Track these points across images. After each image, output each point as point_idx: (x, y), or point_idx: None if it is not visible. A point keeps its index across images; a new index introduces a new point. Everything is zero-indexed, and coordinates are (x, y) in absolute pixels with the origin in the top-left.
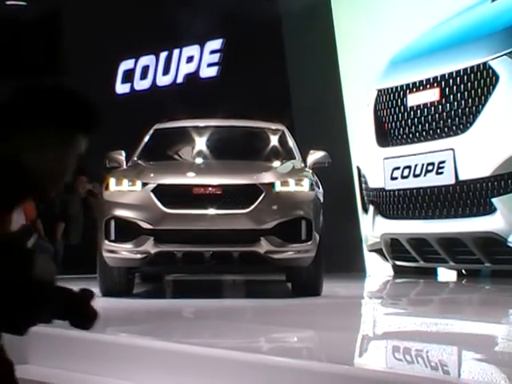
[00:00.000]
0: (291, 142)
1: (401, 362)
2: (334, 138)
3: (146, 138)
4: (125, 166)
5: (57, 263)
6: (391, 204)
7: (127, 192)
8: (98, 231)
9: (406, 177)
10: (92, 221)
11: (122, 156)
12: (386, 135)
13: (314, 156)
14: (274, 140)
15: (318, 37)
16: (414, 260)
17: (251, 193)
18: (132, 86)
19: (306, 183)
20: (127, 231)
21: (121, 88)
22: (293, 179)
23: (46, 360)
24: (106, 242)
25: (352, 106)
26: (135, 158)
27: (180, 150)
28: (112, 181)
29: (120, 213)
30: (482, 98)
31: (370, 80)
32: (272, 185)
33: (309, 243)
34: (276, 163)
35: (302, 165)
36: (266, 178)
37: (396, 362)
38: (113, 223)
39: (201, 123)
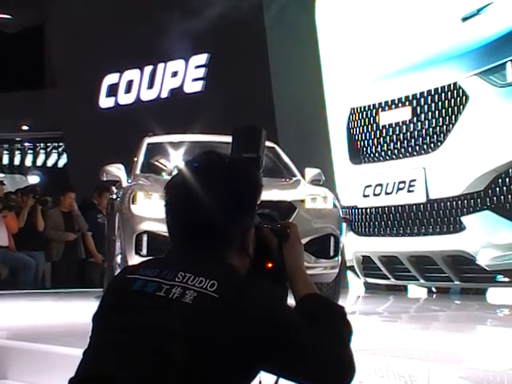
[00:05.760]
0: (286, 158)
1: (370, 376)
2: (317, 154)
3: (142, 153)
4: (126, 181)
5: (37, 277)
6: (363, 221)
7: (159, 206)
8: (121, 245)
9: (378, 194)
10: (73, 230)
11: (120, 169)
12: (358, 153)
13: (311, 173)
14: (269, 156)
15: (303, 52)
16: (385, 277)
17: (285, 209)
18: (116, 100)
19: (330, 200)
20: (160, 246)
21: (105, 102)
22: (320, 196)
23: (26, 375)
24: (136, 256)
25: (336, 122)
26: (138, 172)
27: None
28: (140, 195)
29: (153, 227)
30: (453, 117)
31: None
32: (303, 201)
33: (335, 259)
34: (285, 180)
35: (304, 181)
36: (296, 194)
37: (365, 377)
38: (145, 238)
39: (194, 138)
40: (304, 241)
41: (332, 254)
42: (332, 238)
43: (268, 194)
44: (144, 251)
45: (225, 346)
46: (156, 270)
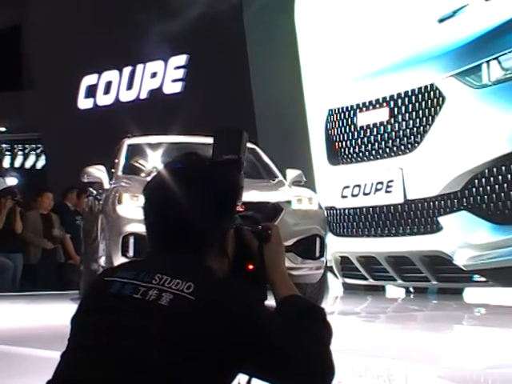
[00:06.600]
0: (267, 160)
1: (349, 376)
2: (297, 155)
3: (123, 154)
4: (107, 182)
5: (15, 279)
6: (341, 222)
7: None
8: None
9: (356, 195)
10: (52, 238)
11: (101, 171)
12: (336, 154)
13: (292, 174)
14: (250, 158)
15: (283, 53)
16: (364, 278)
17: (270, 211)
18: (95, 101)
19: (315, 201)
20: (146, 248)
21: (83, 103)
22: (305, 197)
23: (2, 378)
24: (123, 258)
25: (315, 123)
26: (120, 174)
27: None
28: (126, 196)
29: (139, 229)
30: (430, 118)
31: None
32: (289, 202)
33: (321, 260)
34: (270, 181)
35: (286, 182)
36: (281, 196)
37: (344, 377)
38: (131, 239)
39: (175, 139)
40: (290, 242)
41: (318, 254)
42: (318, 239)
43: (252, 196)
44: (130, 253)
45: (201, 348)
46: (133, 272)
